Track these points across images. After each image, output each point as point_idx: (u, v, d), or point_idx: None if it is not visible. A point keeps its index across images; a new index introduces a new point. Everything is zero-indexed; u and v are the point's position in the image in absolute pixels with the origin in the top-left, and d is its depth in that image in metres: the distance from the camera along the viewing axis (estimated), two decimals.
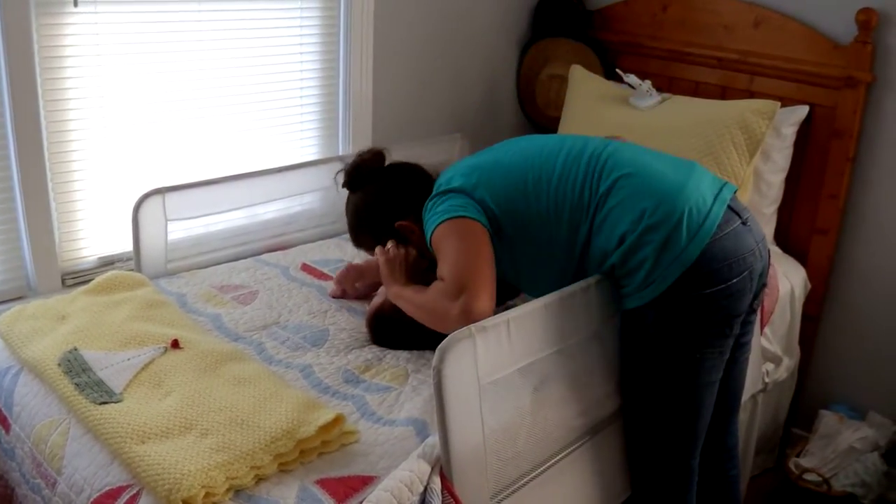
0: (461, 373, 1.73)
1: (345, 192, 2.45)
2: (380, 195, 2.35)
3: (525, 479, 1.94)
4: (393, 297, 2.26)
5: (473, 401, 1.76)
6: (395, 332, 2.35)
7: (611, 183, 2.04)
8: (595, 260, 2.06)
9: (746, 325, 2.16)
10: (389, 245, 2.33)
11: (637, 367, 2.10)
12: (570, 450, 2.07)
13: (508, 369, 1.86)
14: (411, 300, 2.17)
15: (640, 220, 1.97)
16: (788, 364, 3.07)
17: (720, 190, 2.04)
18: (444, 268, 2.06)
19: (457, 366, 1.71)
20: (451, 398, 1.70)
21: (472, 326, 1.76)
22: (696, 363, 2.03)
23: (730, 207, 2.02)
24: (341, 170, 2.42)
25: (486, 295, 1.98)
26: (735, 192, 2.09)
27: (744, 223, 2.02)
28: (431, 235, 2.12)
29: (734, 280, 1.97)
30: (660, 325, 1.99)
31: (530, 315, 1.91)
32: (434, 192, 2.21)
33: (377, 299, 2.44)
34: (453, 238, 2.08)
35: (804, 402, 3.33)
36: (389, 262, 2.29)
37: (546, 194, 2.09)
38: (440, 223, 2.10)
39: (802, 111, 3.03)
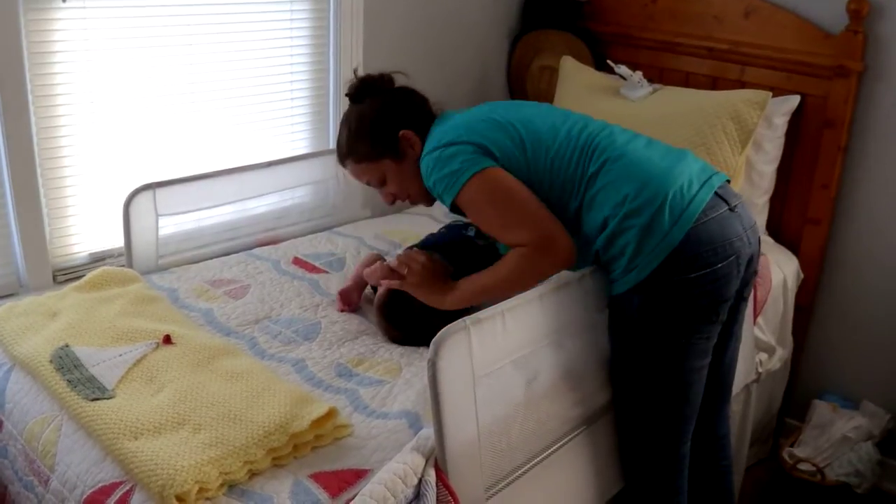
0: (456, 366, 1.72)
1: (335, 186, 2.44)
2: (386, 105, 2.30)
3: (519, 471, 1.94)
4: (455, 305, 2.19)
5: (468, 393, 1.76)
6: (410, 312, 2.33)
7: (600, 164, 2.04)
8: (584, 239, 2.07)
9: (736, 313, 2.16)
10: (399, 264, 2.29)
11: (624, 352, 2.10)
12: (564, 441, 2.07)
13: (503, 361, 1.86)
14: (486, 287, 2.13)
15: (622, 204, 1.97)
16: (782, 354, 3.08)
17: (710, 177, 2.04)
18: (503, 232, 2.08)
19: (451, 359, 1.71)
20: (445, 391, 1.70)
21: (467, 319, 1.75)
22: (682, 348, 2.03)
23: (717, 194, 2.02)
24: (350, 81, 2.38)
25: (558, 231, 2.02)
26: (727, 182, 2.09)
27: (731, 209, 2.02)
28: (455, 199, 2.09)
29: (720, 265, 1.97)
30: (645, 310, 1.99)
31: (525, 306, 1.91)
32: (435, 145, 2.16)
33: (383, 288, 2.42)
34: (486, 200, 2.07)
35: (798, 392, 3.34)
36: (418, 283, 2.24)
37: (544, 158, 2.08)
38: (463, 185, 2.06)
39: (794, 101, 3.03)
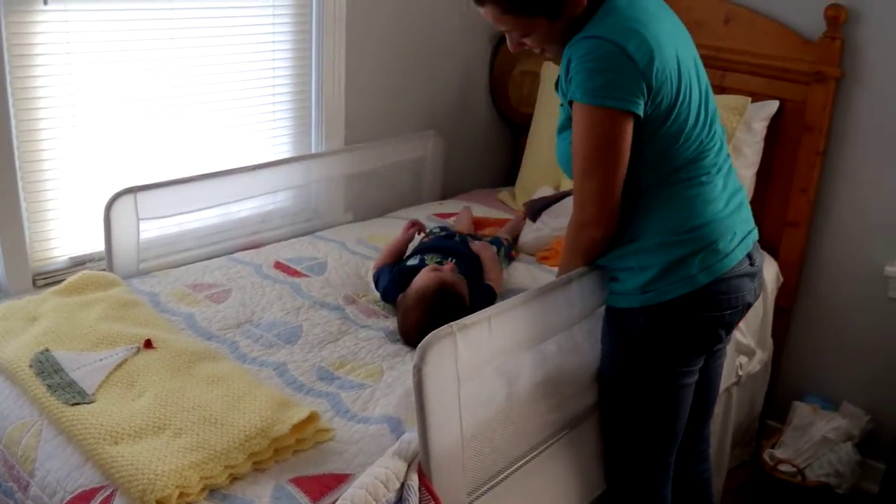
0: (441, 371, 1.71)
1: (316, 190, 2.42)
2: None
3: (501, 475, 1.94)
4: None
5: (452, 398, 1.75)
6: (454, 307, 2.35)
7: (687, 177, 1.97)
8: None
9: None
10: None
11: (619, 366, 2.10)
12: (546, 445, 2.07)
13: (487, 366, 1.85)
14: (567, 265, 2.09)
15: (675, 228, 1.95)
16: (761, 357, 3.10)
17: (748, 234, 2.06)
18: (578, 175, 1.94)
19: (437, 364, 1.69)
20: (430, 397, 1.69)
21: (454, 324, 1.73)
22: (676, 371, 2.05)
23: (747, 253, 2.05)
24: None
25: (612, 220, 1.96)
26: (756, 241, 2.11)
27: (751, 263, 2.05)
28: (577, 103, 1.88)
29: (728, 311, 2.00)
30: (649, 331, 1.99)
31: (511, 312, 1.89)
32: (613, 38, 1.84)
33: (437, 275, 2.45)
34: (594, 141, 1.89)
35: (778, 394, 3.35)
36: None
37: (666, 144, 1.94)
38: (592, 105, 1.85)
39: (773, 106, 3.05)
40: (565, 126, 2.02)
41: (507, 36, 2.04)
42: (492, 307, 1.86)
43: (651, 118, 1.88)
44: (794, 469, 2.95)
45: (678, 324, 1.98)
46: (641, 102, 1.85)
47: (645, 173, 1.94)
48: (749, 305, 2.09)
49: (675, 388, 2.08)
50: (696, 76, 1.99)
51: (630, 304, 2.00)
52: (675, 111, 1.90)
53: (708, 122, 2.00)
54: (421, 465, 1.75)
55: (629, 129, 1.87)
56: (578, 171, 1.94)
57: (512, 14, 1.95)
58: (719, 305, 1.98)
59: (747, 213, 2.10)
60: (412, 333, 2.37)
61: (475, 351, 1.79)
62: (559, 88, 2.00)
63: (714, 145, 2.01)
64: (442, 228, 2.98)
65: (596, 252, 2.03)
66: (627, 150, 1.89)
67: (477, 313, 1.81)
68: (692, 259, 1.94)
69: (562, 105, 2.02)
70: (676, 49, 1.93)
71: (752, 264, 2.05)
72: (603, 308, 2.14)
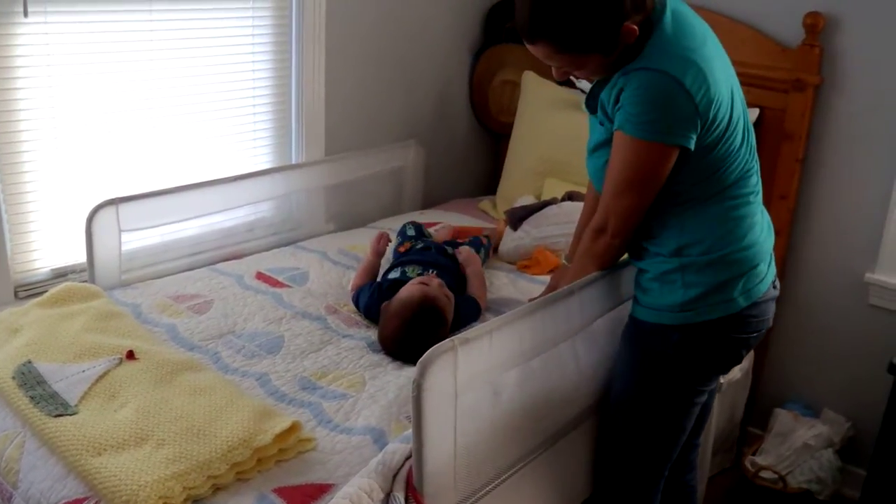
0: (440, 386, 1.70)
1: (297, 200, 2.42)
2: None
3: (490, 486, 1.94)
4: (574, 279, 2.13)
5: (449, 412, 1.74)
6: (434, 323, 2.37)
7: (742, 193, 1.98)
8: (646, 240, 2.04)
9: None
10: None
11: (638, 381, 2.09)
12: (535, 455, 2.08)
13: (485, 379, 1.85)
14: (583, 269, 2.12)
15: (723, 248, 1.95)
16: (743, 364, 3.10)
17: (771, 258, 2.08)
18: (609, 192, 1.96)
19: (437, 379, 1.68)
20: (429, 411, 1.68)
21: (455, 339, 1.72)
22: (693, 391, 2.08)
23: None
24: None
25: (625, 236, 2.01)
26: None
27: (774, 287, 2.07)
28: (619, 130, 1.88)
29: (754, 334, 2.04)
30: (681, 349, 2.00)
31: (512, 326, 1.89)
32: (674, 73, 1.81)
33: (422, 288, 2.44)
34: (631, 167, 1.90)
35: (759, 401, 3.37)
36: None
37: (708, 171, 1.93)
38: (633, 136, 1.85)
39: (752, 114, 3.07)
40: (602, 145, 2.01)
41: (553, 69, 1.99)
42: (493, 321, 1.86)
43: (703, 146, 1.88)
44: (776, 476, 2.96)
45: (710, 344, 2.00)
46: (693, 136, 1.85)
47: (694, 189, 1.95)
48: (769, 328, 2.11)
49: (689, 406, 2.10)
50: (739, 97, 2.00)
51: (664, 320, 2.00)
52: (726, 135, 1.91)
53: (749, 140, 2.01)
54: (412, 477, 1.74)
55: (673, 159, 1.88)
56: (611, 188, 1.96)
57: (567, 54, 1.89)
58: (748, 328, 2.01)
59: (772, 240, 2.12)
60: (388, 342, 2.39)
61: (474, 365, 1.78)
62: (598, 109, 2.00)
63: (755, 165, 2.03)
64: (417, 232, 2.98)
65: (610, 259, 2.07)
66: (665, 177, 1.90)
67: (479, 327, 1.81)
68: (737, 282, 1.95)
69: (602, 124, 2.01)
70: (725, 72, 1.94)
71: (774, 287, 2.08)
72: (598, 321, 2.16)
